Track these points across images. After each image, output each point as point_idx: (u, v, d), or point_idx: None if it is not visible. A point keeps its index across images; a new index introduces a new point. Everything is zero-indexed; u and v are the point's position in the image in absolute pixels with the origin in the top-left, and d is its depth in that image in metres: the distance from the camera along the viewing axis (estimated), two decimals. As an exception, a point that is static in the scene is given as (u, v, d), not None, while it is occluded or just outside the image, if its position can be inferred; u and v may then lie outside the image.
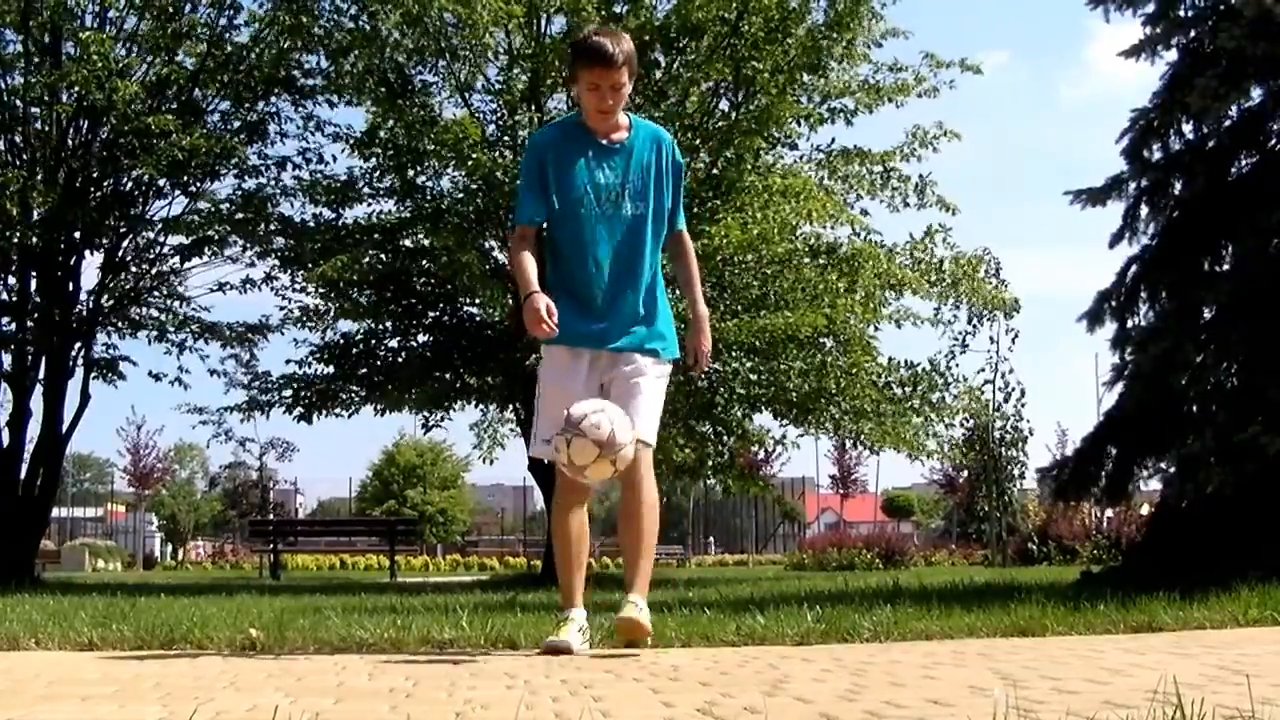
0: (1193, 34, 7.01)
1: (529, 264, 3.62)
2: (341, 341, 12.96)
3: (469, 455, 38.43)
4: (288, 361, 13.03)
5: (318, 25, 11.79)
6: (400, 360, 12.73)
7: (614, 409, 3.44)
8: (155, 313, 13.27)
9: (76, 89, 11.36)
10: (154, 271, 13.04)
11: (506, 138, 11.68)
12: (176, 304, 13.38)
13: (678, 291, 4.10)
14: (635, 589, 3.65)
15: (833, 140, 12.58)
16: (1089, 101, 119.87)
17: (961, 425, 15.27)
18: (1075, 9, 7.38)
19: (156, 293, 13.20)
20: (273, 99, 12.62)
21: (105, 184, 12.37)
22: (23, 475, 12.26)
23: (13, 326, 12.37)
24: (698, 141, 11.17)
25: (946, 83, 12.03)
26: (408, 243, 12.26)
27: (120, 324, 13.03)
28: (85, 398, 12.81)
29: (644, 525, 3.69)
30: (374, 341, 12.94)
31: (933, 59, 11.95)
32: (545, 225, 3.78)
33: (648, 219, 3.71)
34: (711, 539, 40.04)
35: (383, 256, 11.95)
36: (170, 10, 11.99)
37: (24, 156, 12.00)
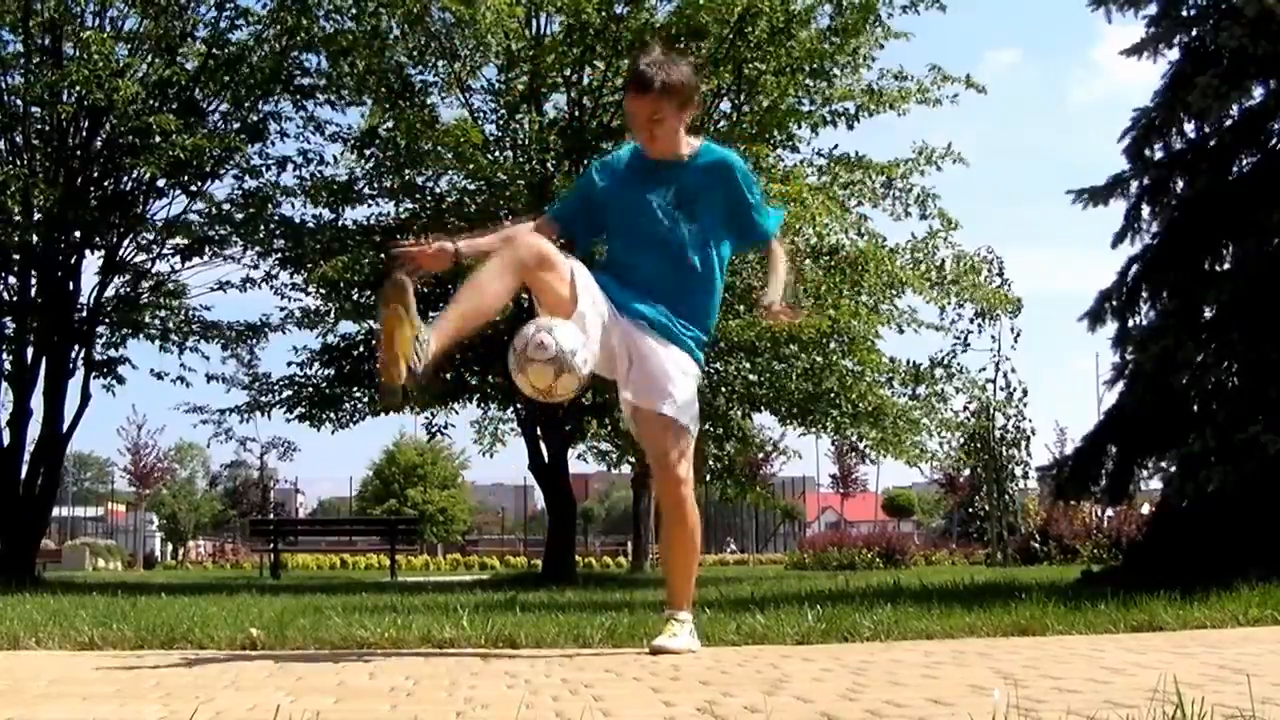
0: (1194, 33, 7.01)
1: (491, 235, 3.64)
2: (342, 344, 12.96)
3: (464, 450, 38.54)
4: (289, 364, 13.04)
5: (316, 25, 11.79)
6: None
7: (560, 325, 3.25)
8: (155, 313, 13.27)
9: (77, 89, 11.35)
10: (154, 271, 13.06)
11: (507, 139, 11.68)
12: (176, 304, 13.38)
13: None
14: (669, 604, 3.57)
15: (835, 146, 12.60)
16: (1097, 102, 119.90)
17: (962, 427, 15.27)
18: (1086, 9, 7.39)
19: (157, 293, 13.20)
20: (273, 99, 12.61)
21: (106, 184, 12.37)
22: (23, 475, 12.27)
23: (13, 326, 12.38)
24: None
25: (950, 97, 12.00)
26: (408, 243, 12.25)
27: (121, 325, 13.03)
28: (86, 397, 12.83)
29: (668, 530, 3.58)
30: (375, 342, 12.93)
31: (938, 71, 11.91)
32: (571, 232, 3.71)
33: (692, 244, 3.53)
34: (730, 539, 40.15)
35: (383, 257, 11.96)
36: (171, 10, 11.98)
37: (24, 156, 12.00)
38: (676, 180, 3.55)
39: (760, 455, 22.17)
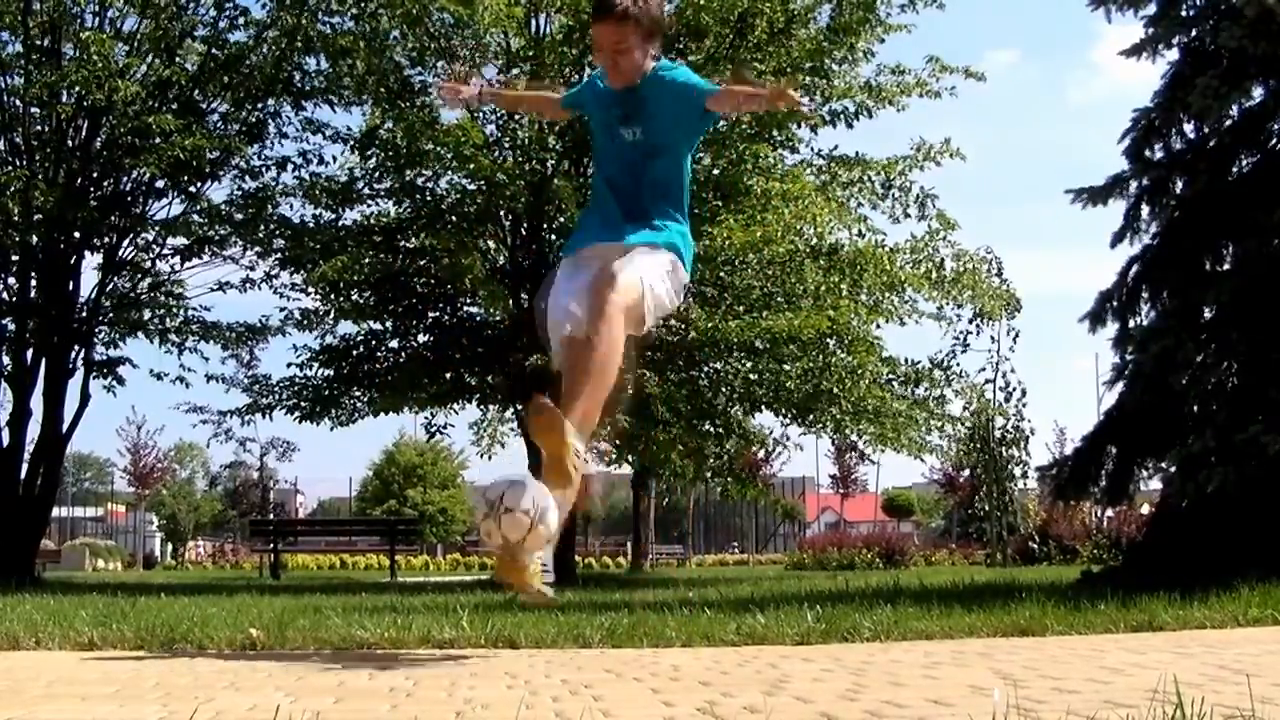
0: (1194, 33, 7.01)
1: (520, 89, 3.90)
2: (341, 345, 12.95)
3: (464, 450, 38.55)
4: (289, 365, 13.03)
5: (314, 28, 11.78)
6: (401, 361, 12.73)
7: (532, 484, 3.18)
8: (155, 313, 13.26)
9: (77, 89, 11.35)
10: (154, 270, 13.04)
11: (506, 139, 11.69)
12: (176, 304, 13.37)
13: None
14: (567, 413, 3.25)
15: (835, 146, 12.56)
16: (1097, 102, 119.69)
17: (962, 424, 15.29)
18: (1085, 9, 7.39)
19: (156, 293, 13.19)
20: (272, 101, 12.60)
21: (105, 184, 12.36)
22: (23, 475, 12.26)
23: (13, 326, 12.37)
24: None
25: (949, 89, 12.02)
26: (408, 243, 12.25)
27: (121, 325, 13.03)
28: (85, 398, 12.82)
29: (592, 354, 3.29)
30: (374, 342, 12.92)
31: (937, 63, 11.93)
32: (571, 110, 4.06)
33: (654, 153, 3.59)
34: (735, 544, 40.21)
35: (382, 257, 11.95)
36: (171, 10, 11.98)
37: (24, 156, 11.99)
38: (630, 102, 3.59)
39: (760, 455, 22.22)
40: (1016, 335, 19.45)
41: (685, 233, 3.67)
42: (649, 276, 3.43)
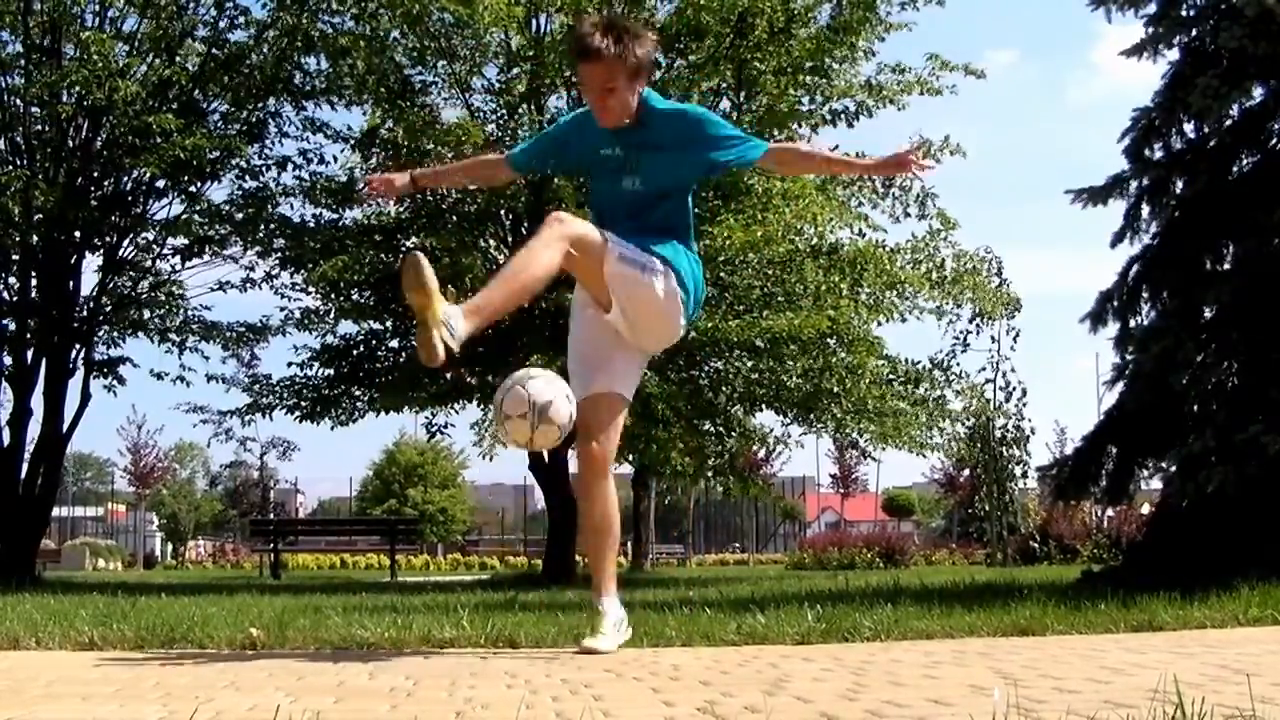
0: (1194, 33, 7.01)
1: (455, 164, 3.87)
2: (341, 344, 12.94)
3: (464, 450, 38.58)
4: (289, 364, 13.03)
5: (314, 27, 11.79)
6: (401, 360, 12.72)
7: (530, 385, 3.33)
8: (155, 313, 13.25)
9: (77, 89, 11.34)
10: (154, 270, 13.03)
11: (507, 138, 11.69)
12: (176, 304, 13.36)
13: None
14: (596, 590, 3.59)
15: (835, 146, 12.51)
16: (1097, 102, 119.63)
17: (963, 423, 15.31)
18: (1084, 9, 7.39)
19: (156, 292, 13.19)
20: (273, 100, 12.60)
21: (106, 184, 12.36)
22: (23, 474, 12.26)
23: (13, 326, 12.37)
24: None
25: (949, 87, 12.01)
26: (408, 243, 12.24)
27: (121, 325, 13.02)
28: (86, 397, 12.82)
29: (586, 511, 3.59)
30: (374, 342, 12.92)
31: (938, 60, 11.93)
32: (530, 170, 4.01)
33: (657, 197, 3.52)
34: (735, 543, 40.27)
35: (383, 257, 11.94)
36: (171, 10, 11.98)
37: (24, 156, 11.98)
38: (631, 139, 3.51)
39: (761, 454, 22.24)
40: (1016, 335, 19.52)
41: (690, 254, 3.61)
42: (619, 244, 3.38)
